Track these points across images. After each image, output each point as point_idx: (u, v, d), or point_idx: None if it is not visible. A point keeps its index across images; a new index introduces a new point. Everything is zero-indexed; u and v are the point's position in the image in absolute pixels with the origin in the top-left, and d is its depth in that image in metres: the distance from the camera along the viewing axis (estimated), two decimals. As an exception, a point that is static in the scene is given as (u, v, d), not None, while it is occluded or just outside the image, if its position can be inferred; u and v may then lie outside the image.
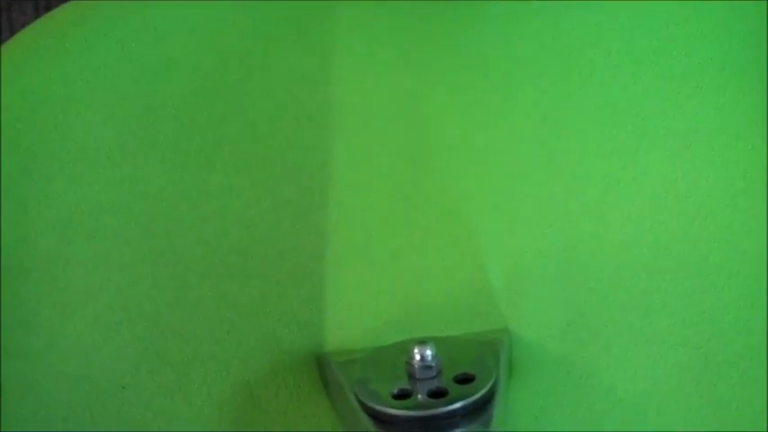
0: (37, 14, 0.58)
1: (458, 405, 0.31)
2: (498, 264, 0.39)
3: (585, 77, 0.40)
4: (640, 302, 0.38)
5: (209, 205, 0.38)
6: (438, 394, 0.32)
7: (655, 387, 0.38)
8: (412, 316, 0.38)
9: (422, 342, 0.33)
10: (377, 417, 0.31)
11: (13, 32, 0.57)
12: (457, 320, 0.38)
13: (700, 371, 0.38)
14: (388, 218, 0.39)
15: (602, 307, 0.38)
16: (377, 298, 0.39)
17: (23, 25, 0.43)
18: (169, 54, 0.38)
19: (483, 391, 0.32)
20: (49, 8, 0.43)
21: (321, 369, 0.37)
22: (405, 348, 0.33)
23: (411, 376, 0.33)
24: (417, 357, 0.32)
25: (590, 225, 0.39)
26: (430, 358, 0.33)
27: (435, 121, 0.40)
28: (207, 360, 0.37)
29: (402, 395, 0.32)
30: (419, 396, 0.32)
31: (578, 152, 0.39)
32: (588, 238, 0.39)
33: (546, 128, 0.40)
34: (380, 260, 0.39)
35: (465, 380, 0.33)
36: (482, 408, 0.32)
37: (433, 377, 0.33)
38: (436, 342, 0.33)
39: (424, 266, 0.39)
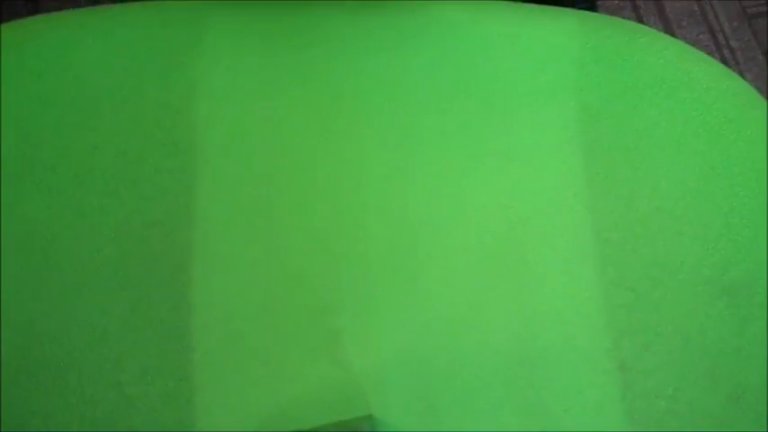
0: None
1: None
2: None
3: (422, 105, 0.46)
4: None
5: (84, 224, 0.42)
6: None
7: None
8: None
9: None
10: None
11: None
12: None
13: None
14: (251, 231, 0.44)
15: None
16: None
17: None
18: (45, 87, 0.43)
19: None
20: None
21: None
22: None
23: None
24: None
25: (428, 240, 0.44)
26: None
27: (292, 144, 0.45)
28: (81, 363, 0.41)
29: None
30: None
31: (418, 170, 0.45)
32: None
33: (388, 150, 0.45)
34: (243, 278, 0.43)
35: None
36: None
37: None
38: None
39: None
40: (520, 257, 0.44)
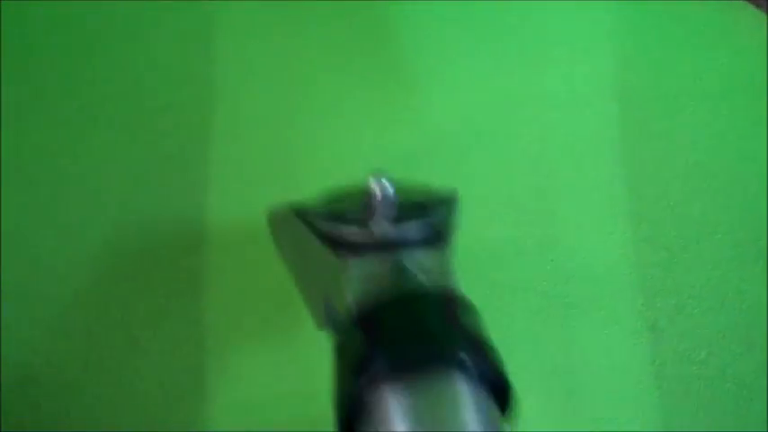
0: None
1: (413, 228, 0.31)
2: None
3: (454, 51, 0.43)
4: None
5: (93, 158, 0.40)
6: (394, 219, 0.31)
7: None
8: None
9: (378, 174, 0.31)
10: (334, 241, 0.31)
11: None
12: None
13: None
14: (266, 168, 0.42)
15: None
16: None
17: None
18: (55, 14, 0.40)
19: (439, 218, 0.32)
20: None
21: (271, 219, 0.36)
22: (359, 186, 0.32)
23: (368, 205, 0.31)
24: (374, 186, 0.31)
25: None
26: (387, 187, 0.31)
27: (306, 79, 0.43)
28: (87, 303, 0.39)
29: (359, 220, 0.31)
30: (376, 221, 0.31)
31: (444, 115, 0.43)
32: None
33: (415, 93, 0.43)
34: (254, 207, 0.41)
35: (420, 207, 0.32)
36: (437, 235, 0.31)
37: (390, 205, 0.31)
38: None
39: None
40: (549, 210, 0.42)
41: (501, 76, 0.43)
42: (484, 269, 0.41)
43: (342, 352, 0.26)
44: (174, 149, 0.40)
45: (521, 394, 0.38)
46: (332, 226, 0.31)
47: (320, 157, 0.41)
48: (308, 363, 0.38)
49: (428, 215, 0.31)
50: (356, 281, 0.29)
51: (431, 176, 0.42)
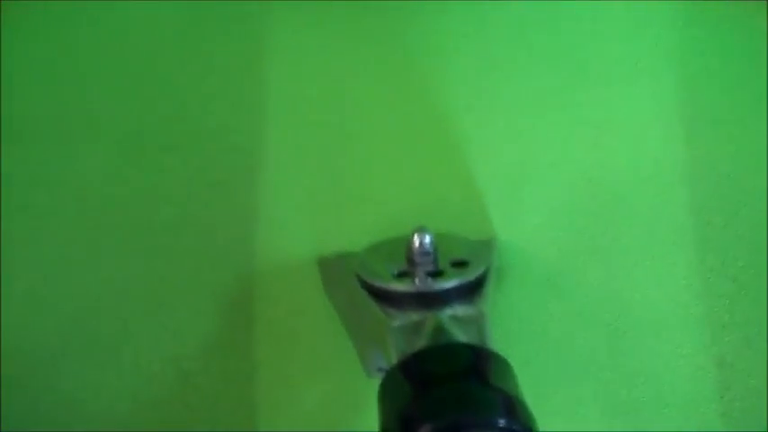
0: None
1: (452, 284, 0.34)
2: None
3: (507, 71, 0.41)
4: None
5: (142, 183, 0.39)
6: (435, 275, 0.34)
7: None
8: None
9: (421, 230, 0.34)
10: (379, 294, 0.34)
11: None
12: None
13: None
14: (316, 196, 0.40)
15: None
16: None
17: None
18: (104, 36, 0.39)
19: (476, 274, 0.34)
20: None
21: (322, 267, 0.38)
22: (404, 239, 0.35)
23: (410, 260, 0.35)
24: (417, 243, 0.34)
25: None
26: (428, 244, 0.34)
27: (360, 106, 0.41)
28: (137, 335, 0.38)
29: (402, 275, 0.34)
30: (418, 277, 0.34)
31: (498, 140, 0.41)
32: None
33: (469, 117, 0.41)
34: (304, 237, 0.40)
35: (460, 264, 0.35)
36: (474, 289, 0.34)
37: (431, 261, 0.35)
38: (434, 234, 0.35)
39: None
40: (611, 239, 0.40)
41: (559, 98, 0.42)
42: (543, 300, 0.40)
43: (387, 402, 0.28)
44: (222, 175, 0.39)
45: (583, 429, 0.36)
46: (377, 279, 0.34)
47: (372, 186, 0.40)
48: (358, 400, 0.37)
49: (467, 271, 0.34)
50: (399, 333, 0.31)
51: (488, 203, 0.40)
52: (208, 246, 0.39)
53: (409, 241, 0.34)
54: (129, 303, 0.38)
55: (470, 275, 0.34)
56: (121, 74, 0.39)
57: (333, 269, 0.37)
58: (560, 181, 0.41)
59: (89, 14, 0.39)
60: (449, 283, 0.34)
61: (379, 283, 0.34)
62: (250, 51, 0.41)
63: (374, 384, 0.29)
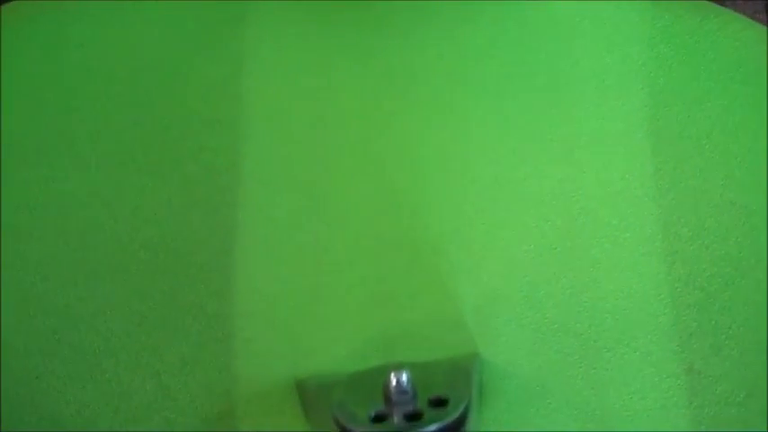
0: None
1: (432, 427, 0.33)
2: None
3: (477, 88, 0.43)
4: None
5: (122, 204, 0.40)
6: (414, 417, 0.34)
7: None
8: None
9: (398, 368, 0.34)
10: None
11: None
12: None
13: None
14: (296, 213, 0.41)
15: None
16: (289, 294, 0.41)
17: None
18: (85, 59, 0.40)
19: (456, 414, 0.34)
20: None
21: (299, 392, 0.38)
22: (381, 373, 0.35)
23: (388, 400, 0.34)
24: (394, 382, 0.34)
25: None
26: (405, 383, 0.34)
27: (341, 123, 0.42)
28: (117, 351, 0.39)
29: (379, 418, 0.34)
30: (395, 419, 0.34)
31: (470, 155, 0.42)
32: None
33: (444, 131, 0.43)
34: (285, 256, 0.41)
35: (439, 403, 0.35)
36: (455, 430, 0.34)
37: (409, 401, 0.34)
38: (411, 367, 0.35)
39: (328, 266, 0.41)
40: (582, 251, 0.41)
41: (529, 113, 0.43)
42: (515, 311, 0.40)
43: None
44: (201, 195, 0.40)
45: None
46: (354, 424, 0.33)
47: (354, 202, 0.41)
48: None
49: (446, 412, 0.34)
50: None
51: (457, 218, 0.41)
52: (187, 261, 0.40)
53: (386, 380, 0.34)
54: (109, 320, 0.38)
55: (450, 415, 0.34)
56: (101, 96, 0.40)
57: (309, 395, 0.37)
58: (532, 194, 0.42)
59: (66, 37, 0.40)
60: (428, 427, 0.33)
61: (352, 426, 0.33)
62: (227, 71, 0.42)
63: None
